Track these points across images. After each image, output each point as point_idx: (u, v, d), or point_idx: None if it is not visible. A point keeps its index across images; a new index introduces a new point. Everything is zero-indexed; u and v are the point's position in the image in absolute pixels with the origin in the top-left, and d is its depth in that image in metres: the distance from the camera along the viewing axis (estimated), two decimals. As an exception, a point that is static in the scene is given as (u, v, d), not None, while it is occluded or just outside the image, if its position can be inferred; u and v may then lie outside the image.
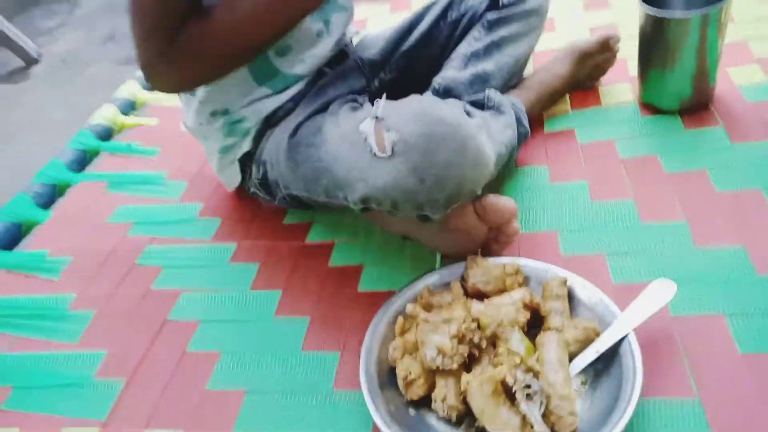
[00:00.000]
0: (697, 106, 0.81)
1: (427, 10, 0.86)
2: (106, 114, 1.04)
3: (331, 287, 0.68)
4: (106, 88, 2.37)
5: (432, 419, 0.52)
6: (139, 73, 1.18)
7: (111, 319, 0.70)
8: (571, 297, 0.58)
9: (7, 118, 2.38)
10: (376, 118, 0.58)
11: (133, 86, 1.15)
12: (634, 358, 0.51)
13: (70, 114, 2.27)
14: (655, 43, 0.79)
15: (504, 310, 0.55)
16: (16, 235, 0.83)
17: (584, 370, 0.53)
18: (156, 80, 0.65)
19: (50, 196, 0.90)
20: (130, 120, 1.05)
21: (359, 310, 0.64)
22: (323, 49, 0.77)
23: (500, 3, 0.80)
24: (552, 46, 0.99)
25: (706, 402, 0.50)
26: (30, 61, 2.79)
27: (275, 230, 0.79)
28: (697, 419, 0.49)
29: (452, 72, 0.79)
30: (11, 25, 2.74)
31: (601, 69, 0.89)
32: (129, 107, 1.09)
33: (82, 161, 0.96)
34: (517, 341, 0.53)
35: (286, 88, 0.76)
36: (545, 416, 0.47)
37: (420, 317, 0.55)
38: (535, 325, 0.55)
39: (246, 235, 0.79)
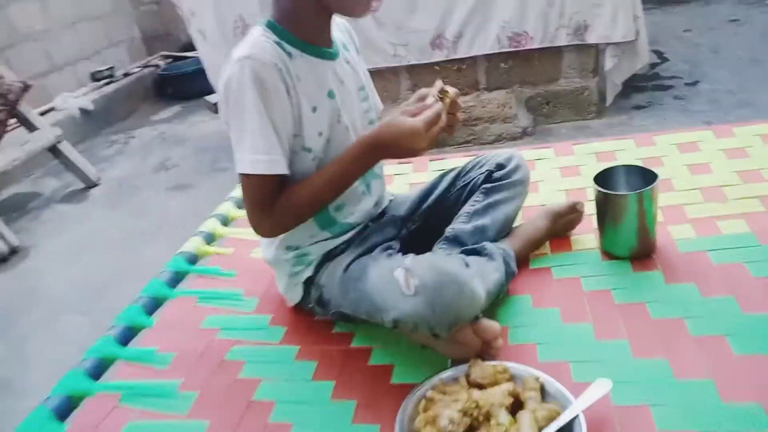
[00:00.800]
0: (642, 254, 1.10)
1: (440, 179, 1.20)
2: (195, 244, 1.35)
3: (372, 379, 0.94)
4: (157, 211, 2.74)
5: (444, 470, 0.76)
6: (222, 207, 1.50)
7: (211, 399, 0.95)
8: (542, 389, 0.83)
9: (70, 236, 2.73)
10: (406, 269, 0.88)
11: (212, 223, 1.46)
12: (580, 428, 0.75)
13: (123, 233, 2.62)
14: (605, 210, 1.10)
15: (495, 396, 0.80)
16: (130, 336, 1.11)
17: (549, 439, 0.77)
18: (259, 232, 0.99)
19: (154, 307, 1.18)
20: (211, 249, 1.36)
21: (392, 396, 0.88)
22: (366, 204, 1.09)
23: (493, 177, 1.13)
24: (537, 203, 1.30)
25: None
26: (90, 185, 3.20)
27: (327, 337, 1.05)
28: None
29: (459, 225, 1.10)
30: (77, 154, 3.17)
31: (571, 224, 1.20)
32: (209, 239, 1.40)
33: (177, 280, 1.26)
34: (503, 417, 0.78)
35: (341, 233, 1.07)
36: (520, 465, 0.72)
37: (436, 399, 0.80)
38: (516, 407, 0.81)
39: (306, 340, 1.06)
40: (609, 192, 1.07)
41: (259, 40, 0.93)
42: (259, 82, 0.88)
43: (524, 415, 0.77)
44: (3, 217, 2.73)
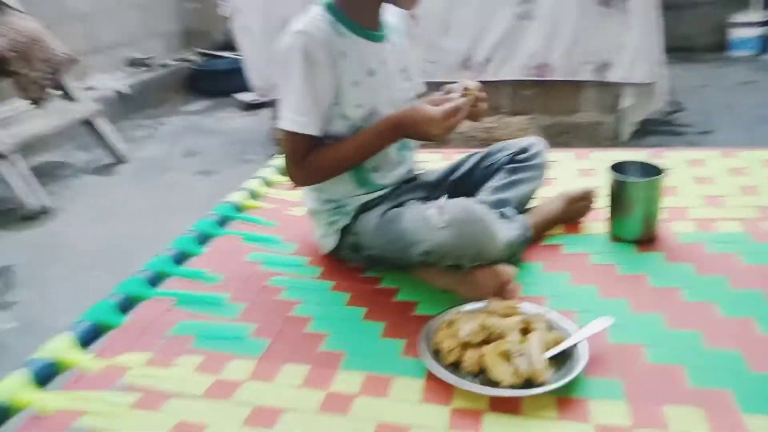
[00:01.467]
0: (646, 241, 1.23)
1: (468, 157, 1.34)
2: (240, 196, 1.49)
3: (398, 310, 1.07)
4: (183, 191, 2.88)
5: (459, 374, 0.88)
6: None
7: (257, 310, 1.08)
8: (549, 325, 0.96)
9: (98, 203, 2.85)
10: (439, 206, 1.02)
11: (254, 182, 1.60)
12: (582, 354, 0.88)
13: (150, 205, 2.74)
14: (618, 196, 1.23)
15: (509, 321, 0.93)
16: (182, 258, 1.24)
17: (555, 359, 0.89)
18: (291, 179, 1.17)
19: (204, 239, 1.31)
20: (254, 203, 1.49)
21: (416, 323, 1.00)
22: (401, 171, 1.23)
23: (516, 159, 1.27)
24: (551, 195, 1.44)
25: (624, 381, 0.86)
26: (119, 161, 3.34)
27: (359, 278, 1.18)
28: (617, 388, 0.84)
29: (483, 196, 1.24)
30: (109, 128, 3.32)
31: (583, 211, 1.33)
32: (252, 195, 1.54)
33: (223, 222, 1.39)
34: (515, 336, 0.90)
35: (377, 190, 1.21)
36: (527, 371, 0.84)
37: (457, 320, 0.93)
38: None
39: (340, 278, 1.18)
40: (623, 179, 1.21)
41: (315, 17, 1.09)
42: (307, 54, 1.05)
43: (533, 335, 0.90)
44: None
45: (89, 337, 0.97)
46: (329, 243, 1.23)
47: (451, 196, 1.28)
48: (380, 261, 1.16)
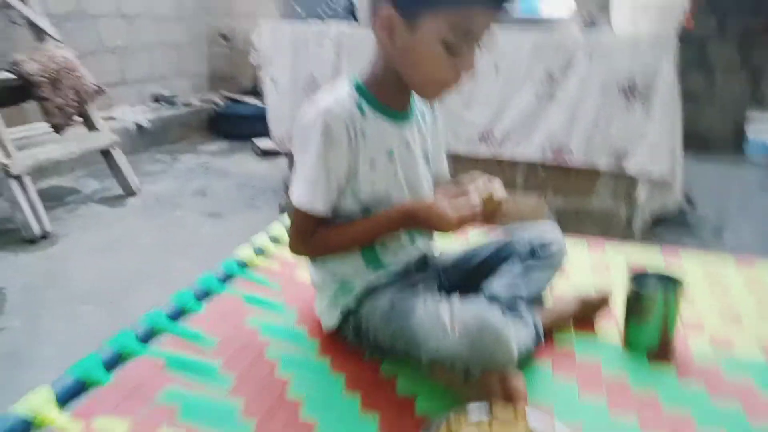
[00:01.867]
0: (660, 354, 1.18)
1: (484, 247, 1.30)
2: (246, 253, 1.46)
3: (397, 404, 1.01)
4: (190, 229, 2.86)
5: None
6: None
7: (247, 385, 1.02)
8: (557, 439, 0.90)
9: (102, 233, 2.83)
10: (452, 314, 0.98)
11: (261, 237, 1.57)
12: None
13: (153, 241, 2.72)
14: (633, 307, 1.19)
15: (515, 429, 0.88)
16: (179, 314, 1.19)
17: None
18: (293, 251, 1.13)
19: (205, 295, 1.27)
20: (260, 260, 1.46)
21: (415, 422, 0.95)
22: (410, 253, 1.19)
23: (535, 254, 1.23)
24: (565, 288, 1.40)
25: None
26: (129, 193, 3.34)
27: (358, 360, 1.13)
28: None
29: (497, 288, 1.19)
30: (124, 159, 3.33)
31: (598, 313, 1.29)
32: (259, 251, 1.51)
33: (227, 278, 1.35)
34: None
35: (384, 271, 1.16)
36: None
37: (459, 423, 0.88)
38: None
39: (337, 356, 1.13)
40: (641, 291, 1.18)
41: (341, 95, 1.08)
42: (327, 134, 1.03)
43: (541, 454, 0.84)
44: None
45: (70, 394, 0.92)
46: (331, 322, 1.18)
47: (465, 283, 1.25)
48: (384, 350, 1.11)
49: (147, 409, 0.94)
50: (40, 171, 2.95)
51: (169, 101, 4.43)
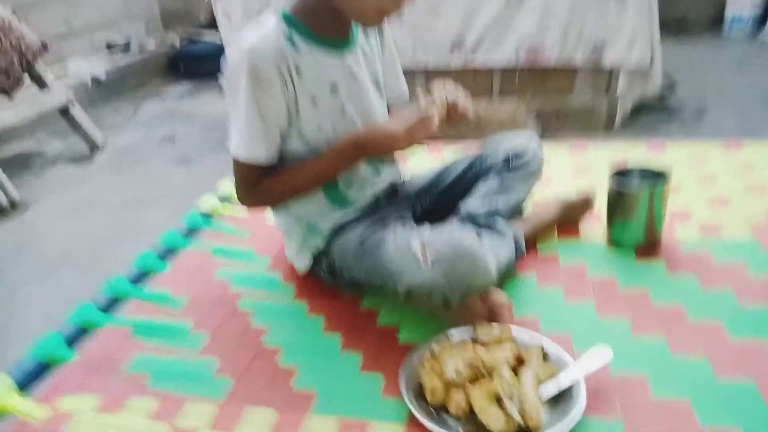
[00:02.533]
0: (648, 249, 1.14)
1: (457, 162, 1.22)
2: (210, 203, 1.38)
3: (379, 337, 0.97)
4: (161, 181, 2.76)
5: (447, 416, 0.79)
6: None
7: (222, 341, 0.98)
8: (544, 354, 0.87)
9: (72, 194, 2.74)
10: (423, 243, 0.91)
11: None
12: (580, 391, 0.79)
13: (125, 197, 2.63)
14: (617, 206, 1.14)
15: (499, 355, 0.84)
16: (145, 276, 1.13)
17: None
18: (242, 204, 1.04)
19: (170, 254, 1.20)
20: (226, 208, 1.38)
21: (398, 352, 0.91)
22: (378, 186, 1.11)
23: (510, 165, 1.16)
24: (547, 196, 1.34)
25: (627, 421, 0.77)
26: (95, 149, 3.22)
27: (336, 299, 1.08)
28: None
29: (473, 204, 1.13)
30: (86, 118, 3.19)
31: (581, 217, 1.23)
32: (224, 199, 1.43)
33: (192, 233, 1.28)
34: (506, 372, 0.81)
35: (352, 208, 1.09)
36: (520, 415, 0.75)
37: (442, 352, 0.84)
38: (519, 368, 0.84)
39: (315, 298, 1.08)
40: (625, 189, 1.11)
41: (267, 31, 0.94)
42: (254, 76, 0.91)
43: (526, 372, 0.81)
44: (6, 172, 2.73)
45: (32, 377, 0.88)
46: (303, 265, 1.13)
47: (439, 204, 1.19)
48: (361, 286, 1.06)
49: (115, 381, 0.89)
50: (-1, 139, 2.81)
51: (124, 48, 4.19)
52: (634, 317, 0.96)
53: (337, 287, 1.09)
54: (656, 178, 1.13)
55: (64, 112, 3.10)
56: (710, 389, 0.81)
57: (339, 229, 1.07)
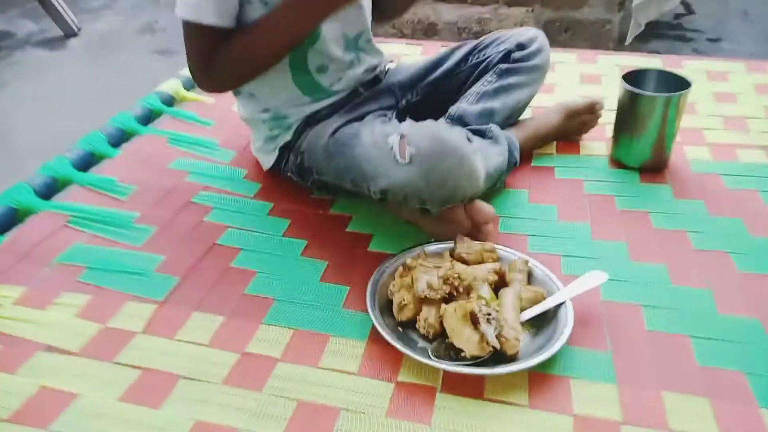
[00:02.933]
0: (654, 168, 1.03)
1: (452, 52, 1.07)
2: (172, 85, 1.23)
3: (347, 245, 0.86)
4: (138, 72, 2.57)
5: (414, 336, 0.70)
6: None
7: (170, 236, 0.87)
8: (530, 274, 0.77)
9: (42, 82, 2.55)
10: (401, 135, 0.78)
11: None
12: (567, 317, 0.69)
13: (99, 87, 2.46)
14: (628, 112, 1.00)
15: (479, 271, 0.74)
16: (90, 162, 1.01)
17: (532, 322, 0.71)
18: (199, 86, 0.89)
19: (119, 139, 1.07)
20: (191, 94, 1.24)
21: (368, 262, 0.81)
22: (356, 72, 0.97)
23: (512, 58, 1.02)
24: (549, 105, 1.21)
25: (616, 354, 0.68)
26: (69, 34, 2.99)
27: (305, 200, 0.97)
28: (606, 365, 0.67)
29: (465, 104, 0.99)
30: (58, -3, 2.94)
31: (585, 127, 1.11)
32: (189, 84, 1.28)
33: (149, 118, 1.14)
34: (485, 291, 0.71)
35: (327, 97, 0.95)
36: (497, 339, 0.65)
37: (416, 265, 0.73)
38: (501, 287, 0.74)
39: (281, 199, 0.96)
40: (636, 91, 0.98)
41: None
42: None
43: (508, 292, 0.71)
44: (-30, 53, 2.53)
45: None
46: (268, 161, 1.00)
47: (427, 102, 1.05)
48: (331, 187, 0.93)
49: (43, 272, 0.79)
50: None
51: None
52: (633, 242, 0.86)
53: (307, 189, 0.97)
54: (675, 85, 0.99)
55: (36, -12, 2.85)
56: (712, 325, 0.72)
57: (310, 122, 0.94)
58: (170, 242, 0.85)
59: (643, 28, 2.55)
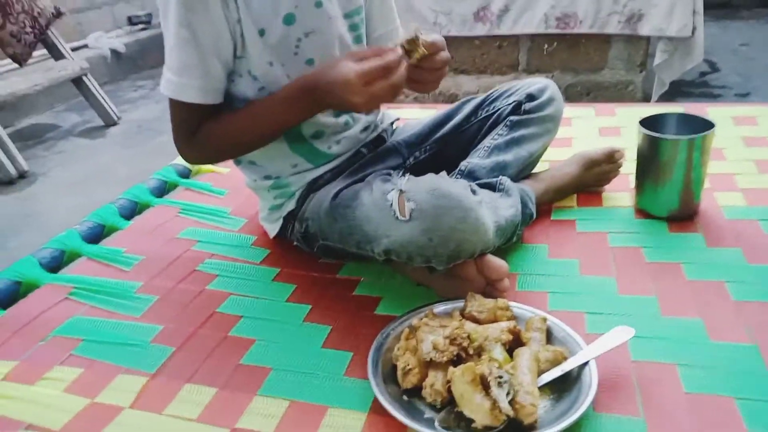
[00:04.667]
0: (683, 217, 0.96)
1: (460, 106, 1.05)
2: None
3: (353, 309, 0.82)
4: (172, 154, 2.66)
5: (421, 405, 0.64)
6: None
7: (170, 306, 0.84)
8: (548, 333, 0.70)
9: (81, 167, 2.67)
10: (401, 190, 0.75)
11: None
12: (591, 380, 0.62)
13: (134, 171, 2.54)
14: (650, 159, 0.95)
15: (491, 331, 0.68)
16: (100, 234, 1.00)
17: (551, 385, 0.64)
18: (182, 156, 0.88)
19: (132, 211, 1.07)
20: (207, 166, 1.25)
21: (373, 326, 0.75)
22: (354, 132, 0.94)
23: (522, 109, 0.99)
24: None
25: (650, 420, 0.60)
26: (110, 123, 3.15)
27: (312, 265, 0.93)
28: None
29: (476, 159, 0.96)
30: (101, 90, 3.12)
31: (606, 177, 1.05)
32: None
33: (162, 190, 1.15)
34: (497, 352, 0.65)
35: (328, 161, 0.93)
36: (511, 405, 0.59)
37: (422, 326, 0.68)
38: (516, 347, 0.67)
39: (288, 264, 0.93)
40: (656, 135, 0.93)
41: None
42: None
43: (523, 352, 0.64)
44: (19, 144, 2.68)
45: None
46: (272, 229, 0.97)
47: (436, 159, 1.02)
48: (337, 252, 0.89)
49: (38, 346, 0.76)
50: (13, 109, 2.73)
51: (145, 21, 4.12)
52: (664, 295, 0.79)
53: (313, 255, 0.94)
54: (697, 129, 0.94)
55: (78, 82, 3.02)
56: (759, 384, 0.64)
57: (312, 188, 0.91)
58: (170, 311, 0.82)
59: (667, 86, 2.52)
